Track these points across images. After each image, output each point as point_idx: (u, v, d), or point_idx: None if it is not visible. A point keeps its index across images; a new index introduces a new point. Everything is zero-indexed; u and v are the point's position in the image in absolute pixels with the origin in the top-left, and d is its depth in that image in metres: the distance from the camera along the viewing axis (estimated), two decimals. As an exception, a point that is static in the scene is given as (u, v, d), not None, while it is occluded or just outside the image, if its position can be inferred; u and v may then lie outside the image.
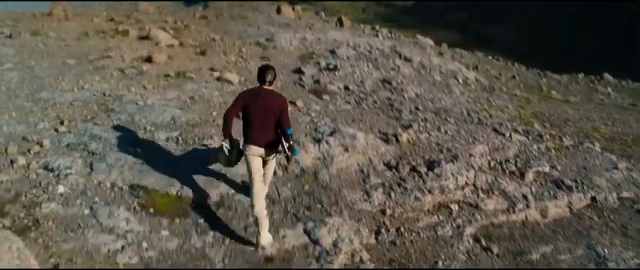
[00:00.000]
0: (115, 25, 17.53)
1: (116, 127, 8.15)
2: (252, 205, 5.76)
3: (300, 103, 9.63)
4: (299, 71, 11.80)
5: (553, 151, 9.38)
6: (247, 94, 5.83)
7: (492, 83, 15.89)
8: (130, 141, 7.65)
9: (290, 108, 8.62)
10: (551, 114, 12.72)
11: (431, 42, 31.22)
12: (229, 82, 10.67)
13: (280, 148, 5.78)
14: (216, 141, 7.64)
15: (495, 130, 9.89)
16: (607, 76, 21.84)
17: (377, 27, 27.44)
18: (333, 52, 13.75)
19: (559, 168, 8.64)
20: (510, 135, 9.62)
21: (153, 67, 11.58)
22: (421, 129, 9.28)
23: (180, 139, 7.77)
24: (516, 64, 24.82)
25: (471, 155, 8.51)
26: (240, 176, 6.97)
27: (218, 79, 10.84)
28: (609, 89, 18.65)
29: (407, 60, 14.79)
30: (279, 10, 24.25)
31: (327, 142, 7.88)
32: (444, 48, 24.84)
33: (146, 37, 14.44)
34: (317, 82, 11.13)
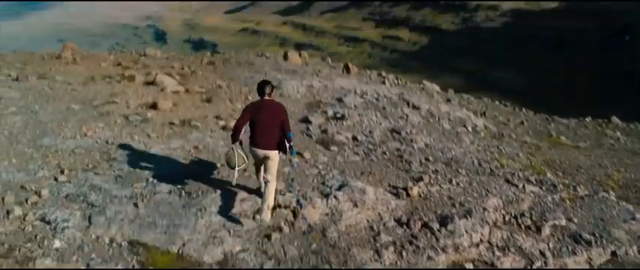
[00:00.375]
0: (121, 70, 17.53)
1: (117, 178, 7.90)
2: (264, 209, 6.79)
3: (307, 155, 9.38)
4: (306, 120, 11.61)
5: (568, 201, 9.07)
6: (252, 107, 6.80)
7: (501, 130, 15.69)
8: (131, 193, 7.38)
9: (297, 159, 8.38)
10: (563, 161, 12.50)
11: (437, 88, 31.26)
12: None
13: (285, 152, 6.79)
14: (217, 200, 7.35)
15: (508, 181, 9.61)
16: (615, 119, 21.73)
17: (383, 73, 27.49)
18: (340, 100, 13.61)
19: (576, 220, 8.32)
20: (523, 186, 9.33)
21: (158, 114, 11.42)
22: (432, 181, 8.99)
23: (183, 192, 7.48)
24: (524, 110, 24.72)
25: (484, 209, 8.18)
26: (245, 231, 6.69)
27: (223, 127, 10.65)
28: (618, 133, 18.51)
29: (415, 108, 14.64)
30: (286, 57, 24.33)
31: (335, 197, 7.58)
32: (451, 94, 24.78)
33: (152, 83, 14.37)
34: (324, 131, 10.91)
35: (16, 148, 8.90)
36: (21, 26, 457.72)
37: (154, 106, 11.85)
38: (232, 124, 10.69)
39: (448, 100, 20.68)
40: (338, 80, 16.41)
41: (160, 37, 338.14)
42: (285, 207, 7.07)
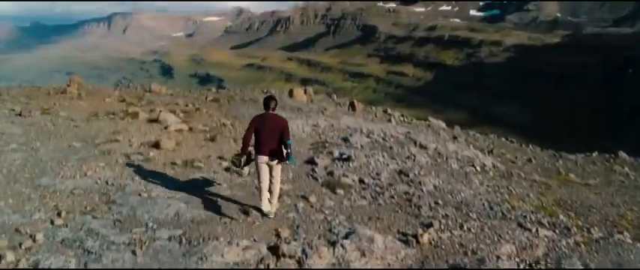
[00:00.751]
0: (126, 106, 17.42)
1: (116, 222, 7.59)
2: (260, 196, 8.00)
3: (313, 199, 9.05)
4: (312, 162, 11.33)
5: (583, 246, 8.68)
6: (258, 119, 7.95)
7: (510, 169, 15.39)
8: (129, 239, 7.05)
9: (302, 204, 8.08)
10: (574, 201, 12.19)
11: (443, 124, 31.20)
12: (238, 173, 10.17)
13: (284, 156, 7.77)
14: (223, 242, 7.01)
15: (520, 225, 9.25)
16: (622, 154, 21.58)
17: (389, 110, 27.39)
18: (346, 140, 13.36)
19: (593, 266, 7.92)
20: (537, 230, 8.95)
21: (160, 153, 11.18)
22: (443, 227, 8.63)
23: (183, 238, 7.15)
24: (531, 146, 24.48)
25: (498, 257, 7.80)
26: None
27: (227, 169, 10.36)
28: (626, 169, 18.29)
29: (422, 147, 14.37)
30: (291, 94, 24.26)
31: (342, 246, 7.21)
32: (457, 131, 24.59)
33: (156, 120, 14.20)
34: (330, 174, 10.61)
35: (13, 188, 8.64)
36: (30, 59, 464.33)
37: (156, 145, 11.62)
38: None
39: (455, 138, 20.45)
40: (344, 119, 16.18)
41: (167, 71, 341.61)
42: (290, 256, 6.73)
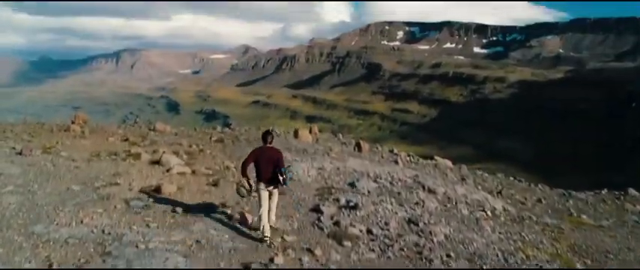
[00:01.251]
0: (128, 146, 17.16)
1: (110, 277, 7.15)
2: (259, 220, 9.05)
3: (318, 251, 8.55)
4: (317, 210, 10.87)
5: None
6: (257, 151, 9.24)
7: (521, 212, 14.94)
8: (122, 297, 6.61)
9: (307, 258, 7.67)
10: (589, 246, 11.73)
11: (450, 164, 30.84)
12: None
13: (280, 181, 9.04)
14: None
15: (537, 278, 8.78)
16: (632, 191, 21.42)
17: (395, 150, 27.04)
18: (353, 184, 12.93)
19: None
20: (555, 284, 8.47)
21: (161, 199, 10.77)
22: (456, 283, 8.15)
23: (179, 298, 6.71)
24: (540, 186, 24.03)
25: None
26: None
27: (229, 217, 9.94)
28: (638, 207, 17.95)
29: (431, 192, 13.94)
30: (296, 135, 23.95)
31: (351, 307, 6.77)
32: (464, 171, 24.21)
33: (158, 162, 13.86)
34: (337, 223, 10.15)
35: (5, 235, 8.25)
36: (37, 93, 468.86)
37: (157, 189, 11.22)
38: (238, 210, 10.15)
39: (463, 179, 19.99)
40: (350, 161, 15.80)
41: (173, 107, 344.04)
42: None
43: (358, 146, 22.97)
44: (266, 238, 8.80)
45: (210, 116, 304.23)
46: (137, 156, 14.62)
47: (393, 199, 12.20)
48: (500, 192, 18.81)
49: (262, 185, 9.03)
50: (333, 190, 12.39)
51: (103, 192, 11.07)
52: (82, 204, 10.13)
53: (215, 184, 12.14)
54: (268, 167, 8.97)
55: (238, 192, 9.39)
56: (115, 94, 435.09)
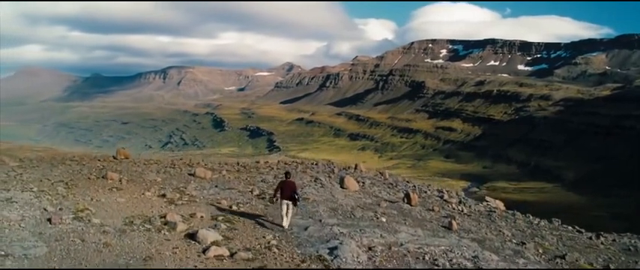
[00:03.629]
0: (165, 206, 16.16)
1: None
2: (282, 219, 14.76)
3: None
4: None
5: None
6: (281, 183, 14.97)
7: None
8: None
9: None
10: None
11: (502, 205, 28.95)
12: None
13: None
14: None
15: None
16: None
17: (446, 194, 25.55)
18: (409, 274, 11.37)
19: None
20: None
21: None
22: None
23: None
24: (602, 239, 21.88)
25: None
26: None
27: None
28: None
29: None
30: (342, 183, 22.56)
31: None
32: (519, 224, 22.34)
33: (193, 236, 12.69)
34: None
35: None
36: (89, 109, 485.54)
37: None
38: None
39: (523, 244, 18.07)
40: (402, 234, 14.27)
41: (218, 124, 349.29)
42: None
43: (408, 197, 21.41)
44: (283, 227, 14.60)
45: (255, 133, 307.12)
46: (172, 227, 13.50)
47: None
48: (564, 257, 16.97)
49: (284, 201, 14.67)
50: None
51: (131, 286, 9.91)
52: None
53: (256, 274, 10.80)
54: (287, 192, 14.66)
55: (270, 202, 16.14)
56: (162, 110, 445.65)
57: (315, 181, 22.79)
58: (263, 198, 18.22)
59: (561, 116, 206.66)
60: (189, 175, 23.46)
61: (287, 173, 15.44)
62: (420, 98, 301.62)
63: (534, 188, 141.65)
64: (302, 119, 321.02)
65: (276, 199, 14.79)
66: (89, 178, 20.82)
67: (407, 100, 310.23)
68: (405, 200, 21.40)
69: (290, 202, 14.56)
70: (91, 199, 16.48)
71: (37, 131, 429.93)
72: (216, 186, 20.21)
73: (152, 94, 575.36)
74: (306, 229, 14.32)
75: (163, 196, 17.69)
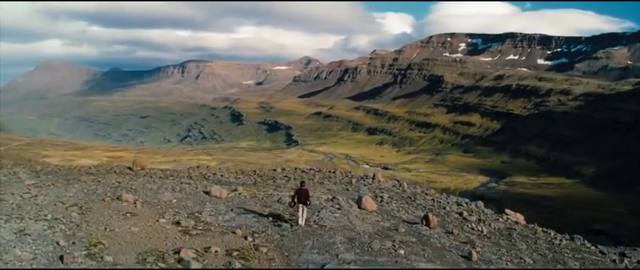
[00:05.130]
0: (179, 234, 15.97)
1: None
2: (298, 217, 18.57)
3: None
4: None
5: None
6: (297, 190, 18.69)
7: None
8: None
9: None
10: None
11: (522, 219, 28.43)
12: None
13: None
14: None
15: None
16: None
17: (465, 213, 25.10)
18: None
19: None
20: None
21: None
22: None
23: None
24: (626, 260, 21.19)
25: None
26: None
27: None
28: None
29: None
30: (360, 203, 22.12)
31: None
32: (541, 245, 21.76)
33: (207, 279, 12.39)
34: None
35: None
36: (108, 103, 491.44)
37: None
38: None
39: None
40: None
41: (237, 118, 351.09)
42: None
43: (426, 220, 20.93)
44: (300, 224, 18.04)
45: (273, 127, 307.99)
46: (186, 266, 13.23)
47: None
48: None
49: (300, 205, 18.16)
50: None
51: None
52: None
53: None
54: (302, 198, 18.08)
55: (290, 205, 19.66)
56: (180, 104, 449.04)
57: (332, 200, 22.41)
58: (279, 226, 17.91)
59: (581, 111, 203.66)
60: (205, 193, 23.23)
61: (302, 182, 20.00)
62: (439, 92, 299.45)
63: (553, 184, 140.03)
64: (320, 113, 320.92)
65: (294, 204, 18.55)
66: (104, 199, 20.62)
67: (425, 95, 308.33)
68: (424, 222, 20.94)
69: (304, 206, 18.27)
70: (105, 229, 16.21)
71: (58, 125, 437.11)
72: (231, 210, 19.95)
73: (171, 88, 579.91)
74: (323, 267, 13.88)
75: (178, 223, 17.43)
